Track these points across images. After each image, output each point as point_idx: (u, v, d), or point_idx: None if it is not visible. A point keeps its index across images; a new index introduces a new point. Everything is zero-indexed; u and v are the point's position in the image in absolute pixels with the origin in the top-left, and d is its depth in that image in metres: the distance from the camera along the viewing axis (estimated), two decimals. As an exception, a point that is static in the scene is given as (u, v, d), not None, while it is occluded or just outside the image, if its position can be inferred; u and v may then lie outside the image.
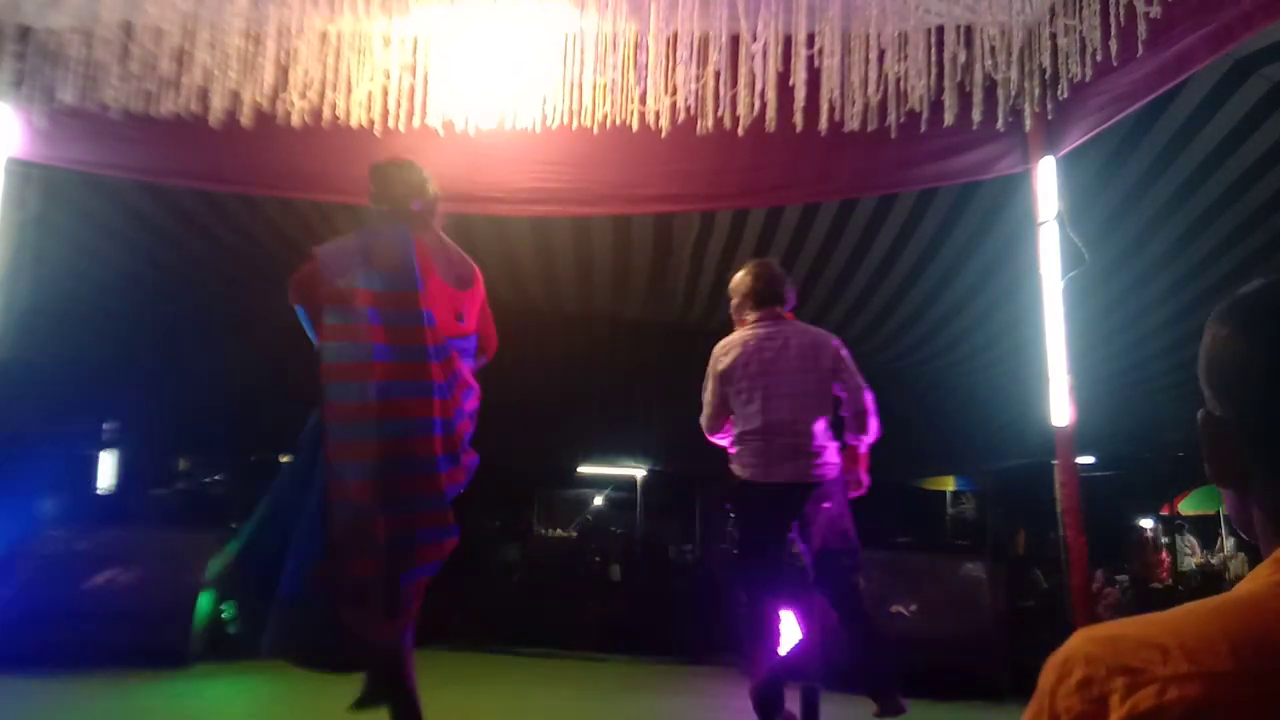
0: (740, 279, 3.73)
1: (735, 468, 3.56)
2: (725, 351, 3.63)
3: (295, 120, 3.32)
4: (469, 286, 2.88)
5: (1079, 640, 0.66)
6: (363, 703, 2.60)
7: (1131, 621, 0.65)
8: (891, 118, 3.22)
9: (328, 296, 2.62)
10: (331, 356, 2.58)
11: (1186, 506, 13.64)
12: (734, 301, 3.74)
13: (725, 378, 3.58)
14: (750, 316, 3.66)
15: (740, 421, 3.55)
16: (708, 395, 3.64)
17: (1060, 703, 0.64)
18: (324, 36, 3.35)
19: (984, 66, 3.20)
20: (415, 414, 2.59)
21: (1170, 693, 0.58)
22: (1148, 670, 0.60)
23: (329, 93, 3.34)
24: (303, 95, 3.31)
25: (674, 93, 3.25)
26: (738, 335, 3.66)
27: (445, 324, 2.73)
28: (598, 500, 13.95)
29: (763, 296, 3.67)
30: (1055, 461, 3.37)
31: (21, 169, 3.66)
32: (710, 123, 3.24)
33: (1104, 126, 3.17)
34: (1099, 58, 2.92)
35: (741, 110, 3.22)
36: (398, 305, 2.65)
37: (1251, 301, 0.75)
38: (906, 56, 3.21)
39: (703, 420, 3.66)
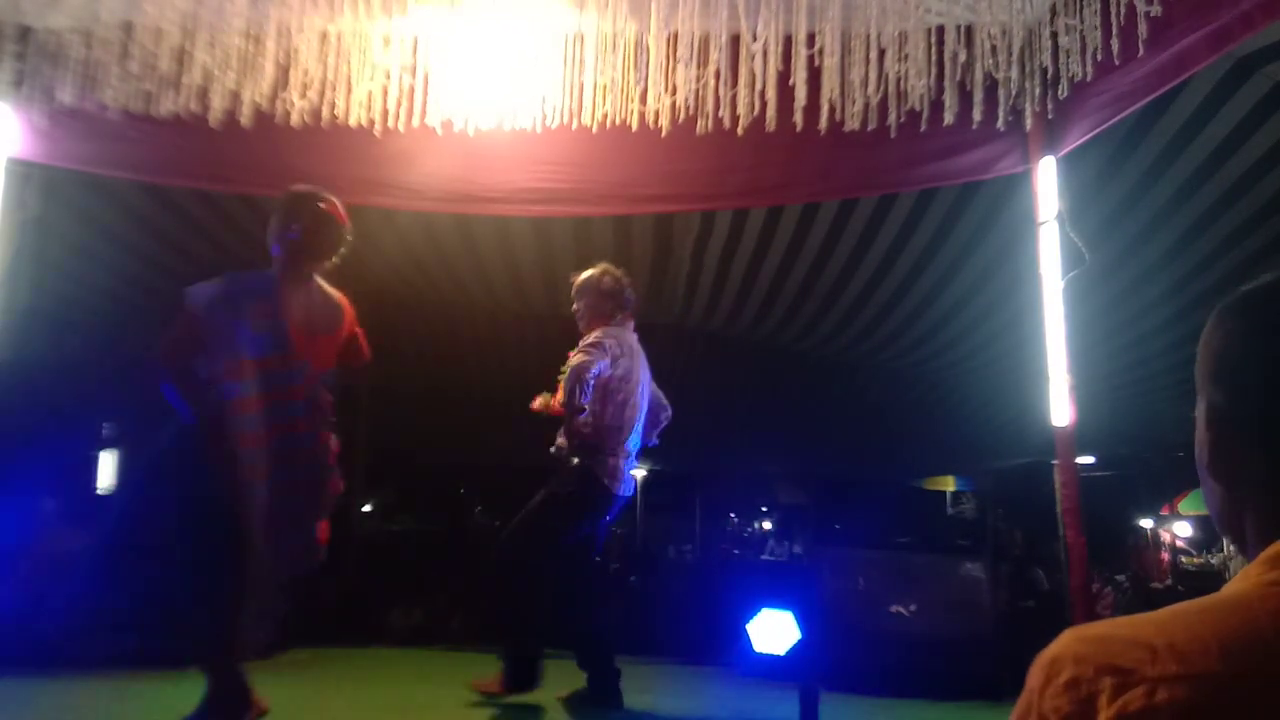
0: (614, 280, 3.91)
1: (602, 475, 3.75)
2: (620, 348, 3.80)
3: (295, 120, 3.32)
4: (333, 331, 2.97)
5: (1068, 639, 0.66)
6: None
7: (1121, 621, 0.65)
8: (891, 118, 3.21)
9: (228, 371, 2.77)
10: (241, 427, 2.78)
11: (1186, 506, 13.63)
12: (589, 301, 3.91)
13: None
14: (618, 318, 3.88)
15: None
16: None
17: (1047, 702, 0.63)
18: (324, 36, 3.35)
19: (984, 66, 3.20)
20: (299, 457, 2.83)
21: (1159, 694, 0.58)
22: (1136, 671, 0.60)
23: (329, 93, 3.34)
24: (303, 95, 3.31)
25: (674, 93, 3.25)
26: (620, 332, 3.84)
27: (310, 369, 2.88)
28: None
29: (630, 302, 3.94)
30: (1055, 461, 3.37)
31: (21, 169, 3.66)
32: (710, 123, 3.24)
33: (1104, 126, 3.16)
34: (1099, 57, 2.92)
35: (741, 110, 3.21)
36: (276, 367, 2.80)
37: (1259, 296, 0.75)
38: (906, 56, 3.20)
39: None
